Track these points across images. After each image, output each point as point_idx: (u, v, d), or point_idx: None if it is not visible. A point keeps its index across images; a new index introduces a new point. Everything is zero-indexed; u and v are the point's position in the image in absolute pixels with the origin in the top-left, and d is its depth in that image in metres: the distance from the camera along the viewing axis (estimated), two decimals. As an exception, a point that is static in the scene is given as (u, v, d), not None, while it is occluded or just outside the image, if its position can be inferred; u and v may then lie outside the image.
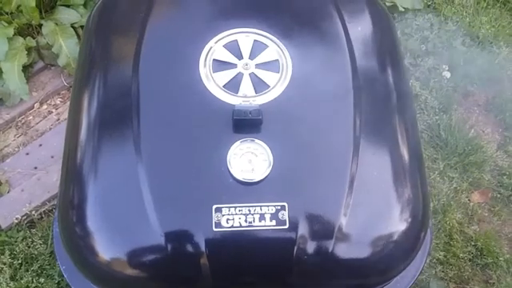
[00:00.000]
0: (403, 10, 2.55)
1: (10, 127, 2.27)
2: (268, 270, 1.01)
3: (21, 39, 2.28)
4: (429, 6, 2.74)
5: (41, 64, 2.38)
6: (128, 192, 1.00)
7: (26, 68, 2.27)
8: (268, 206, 0.97)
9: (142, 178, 0.98)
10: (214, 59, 1.11)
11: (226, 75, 1.10)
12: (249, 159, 0.99)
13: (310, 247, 0.98)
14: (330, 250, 0.98)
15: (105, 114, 1.09)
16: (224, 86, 1.08)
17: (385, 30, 1.29)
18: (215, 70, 1.10)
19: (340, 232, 0.98)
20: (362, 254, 1.02)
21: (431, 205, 2.12)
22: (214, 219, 0.96)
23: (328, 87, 1.11)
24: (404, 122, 1.13)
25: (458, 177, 2.25)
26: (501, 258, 2.11)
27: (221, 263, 0.98)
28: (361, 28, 1.20)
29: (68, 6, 2.37)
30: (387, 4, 2.49)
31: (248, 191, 0.98)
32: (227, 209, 0.96)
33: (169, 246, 0.96)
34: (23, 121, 2.29)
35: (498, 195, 2.27)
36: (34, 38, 2.32)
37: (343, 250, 1.00)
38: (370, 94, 1.12)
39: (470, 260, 2.11)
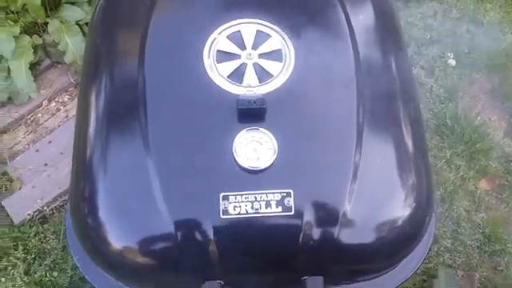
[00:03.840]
0: (407, -2, 2.55)
1: (20, 125, 2.30)
2: (275, 255, 1.03)
3: (27, 37, 2.29)
4: (432, -7, 2.73)
5: (47, 62, 2.40)
6: (137, 182, 1.02)
7: (33, 66, 2.30)
8: (274, 193, 0.98)
9: (150, 168, 1.00)
10: (217, 50, 1.13)
11: (230, 66, 1.11)
12: (254, 148, 1.01)
13: (316, 233, 0.99)
14: (335, 236, 0.99)
15: (112, 107, 1.11)
16: (228, 77, 1.09)
17: (387, 18, 1.30)
18: (219, 61, 1.11)
19: (345, 218, 0.99)
20: (367, 239, 1.03)
21: (438, 193, 2.13)
22: (222, 207, 0.98)
23: (331, 76, 1.11)
24: (407, 110, 1.13)
25: (465, 165, 2.26)
26: (509, 245, 2.12)
27: (228, 250, 1.00)
28: (363, 16, 1.21)
29: (73, 4, 2.37)
30: (390, -7, 2.49)
31: (254, 179, 1.00)
32: (234, 196, 0.97)
33: (178, 234, 0.98)
34: (32, 118, 2.31)
35: (506, 182, 2.28)
36: (40, 36, 2.34)
37: (348, 236, 1.01)
38: (373, 82, 1.12)
39: (477, 247, 2.12)
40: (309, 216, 0.98)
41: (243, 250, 1.02)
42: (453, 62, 2.50)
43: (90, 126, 1.11)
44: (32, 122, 2.31)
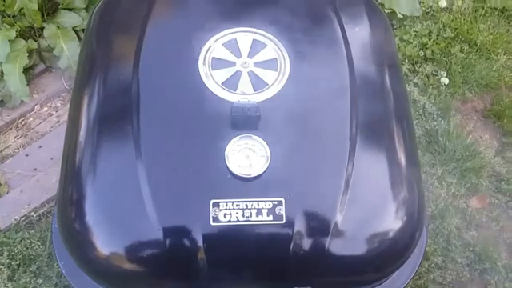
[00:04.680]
0: (402, 16, 2.56)
1: (11, 129, 2.28)
2: (264, 264, 1.02)
3: (22, 41, 2.29)
4: (427, 13, 2.75)
5: (42, 66, 2.39)
6: (127, 187, 1.01)
7: (27, 70, 2.29)
8: (265, 201, 0.97)
9: (140, 174, 0.99)
10: (213, 57, 1.12)
11: (225, 73, 1.11)
12: (246, 155, 1.00)
13: (307, 243, 0.99)
14: (326, 246, 0.99)
15: (105, 110, 1.10)
16: (223, 84, 1.09)
17: (382, 33, 1.31)
18: (214, 68, 1.11)
19: (336, 228, 0.99)
20: (357, 251, 1.02)
21: (429, 209, 2.13)
22: (212, 214, 0.97)
23: (325, 86, 1.12)
24: (400, 122, 1.14)
25: (456, 182, 2.26)
26: (499, 264, 2.11)
27: (218, 257, 0.99)
28: (358, 29, 1.22)
29: (70, 10, 2.38)
30: (386, 11, 2.51)
31: (245, 186, 0.99)
32: (225, 204, 0.97)
33: (167, 241, 0.97)
34: (23, 122, 2.30)
35: (496, 201, 2.28)
36: (35, 41, 2.33)
37: (339, 247, 1.00)
38: (366, 93, 1.13)
39: (468, 265, 2.11)
40: (300, 225, 0.98)
41: (232, 258, 1.01)
42: (446, 81, 2.52)
43: (81, 129, 1.11)
44: (23, 126, 2.29)
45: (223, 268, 1.01)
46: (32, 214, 2.03)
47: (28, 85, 2.27)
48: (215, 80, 1.09)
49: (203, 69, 1.10)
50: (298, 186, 1.01)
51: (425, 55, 2.59)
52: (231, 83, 1.10)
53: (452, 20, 2.73)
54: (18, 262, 1.93)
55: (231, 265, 1.01)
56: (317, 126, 1.08)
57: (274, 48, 1.14)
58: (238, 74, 1.11)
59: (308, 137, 1.06)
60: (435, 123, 2.38)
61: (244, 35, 1.16)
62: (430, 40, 2.62)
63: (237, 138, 1.02)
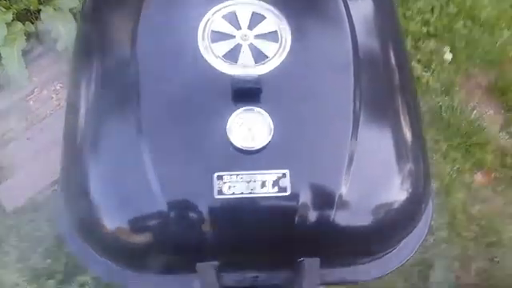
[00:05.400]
0: (404, -8, 2.54)
1: (11, 113, 2.27)
2: (270, 236, 1.00)
3: (19, 24, 2.27)
4: (429, -12, 2.72)
5: (40, 49, 2.38)
6: (130, 163, 0.99)
7: (25, 53, 2.27)
8: (269, 173, 0.96)
9: (143, 150, 0.97)
10: (212, 30, 1.10)
11: (225, 46, 1.08)
12: (249, 128, 0.98)
13: (312, 214, 0.97)
14: (331, 217, 0.97)
15: (104, 87, 1.08)
16: (223, 57, 1.07)
17: (386, 5, 1.28)
18: (213, 41, 1.09)
19: (341, 199, 0.97)
20: (362, 221, 1.01)
21: (434, 185, 2.13)
22: (216, 187, 0.95)
23: (328, 59, 1.09)
24: (404, 96, 1.11)
25: (461, 158, 2.26)
26: (504, 237, 2.12)
27: (223, 230, 0.98)
28: (361, 1, 1.19)
29: (66, -9, 2.36)
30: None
31: (249, 159, 0.97)
32: (229, 176, 0.95)
33: (171, 214, 0.96)
34: (24, 106, 2.28)
35: (501, 176, 2.28)
36: (32, 23, 2.32)
37: (344, 217, 0.99)
38: (369, 64, 1.10)
39: (473, 239, 2.13)
40: (305, 197, 0.96)
41: (238, 230, 1.00)
42: (449, 57, 2.50)
43: (80, 108, 1.09)
44: (24, 109, 2.28)
45: (229, 240, 1.00)
46: (37, 196, 2.05)
47: (27, 68, 2.26)
48: (215, 53, 1.07)
49: (202, 42, 1.08)
50: (302, 158, 0.99)
51: (428, 31, 2.56)
52: (231, 56, 1.07)
53: (455, -5, 2.70)
54: (26, 244, 1.95)
55: (237, 237, 1.00)
56: (320, 98, 1.05)
57: (274, 20, 1.12)
58: (238, 47, 1.09)
59: (311, 109, 1.04)
60: (439, 99, 2.37)
61: (243, 7, 1.13)
62: (432, 16, 2.59)
63: (238, 110, 1.00)
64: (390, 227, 1.04)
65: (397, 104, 1.09)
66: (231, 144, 0.97)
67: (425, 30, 2.56)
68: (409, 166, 1.04)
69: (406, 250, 1.13)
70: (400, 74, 1.15)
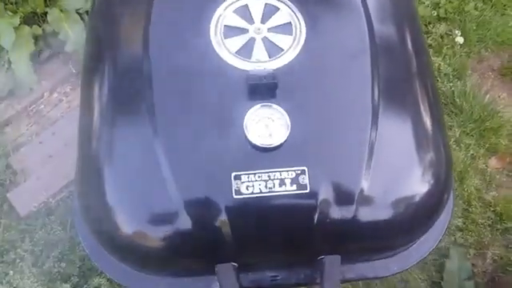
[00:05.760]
0: (412, -24, 2.50)
1: (22, 117, 2.26)
2: (290, 235, 0.99)
3: (27, 28, 2.26)
4: (439, -29, 2.68)
5: (48, 52, 2.36)
6: (146, 164, 0.99)
7: (33, 57, 2.26)
8: (288, 170, 0.94)
9: (158, 149, 0.97)
10: (224, 25, 1.09)
11: (238, 41, 1.07)
12: (266, 124, 0.97)
13: (332, 211, 0.96)
14: (352, 213, 0.96)
15: (117, 89, 1.07)
16: (236, 52, 1.06)
17: None
18: (226, 37, 1.07)
19: (362, 195, 0.96)
20: (384, 216, 1.00)
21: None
22: (234, 187, 0.94)
23: (344, 50, 1.07)
24: (423, 82, 1.10)
25: (475, 143, 2.23)
26: (521, 223, 2.08)
27: (242, 230, 0.97)
28: None
29: (72, -8, 2.34)
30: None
31: (267, 157, 0.96)
32: (246, 176, 0.94)
33: (190, 217, 0.95)
34: (34, 110, 2.28)
35: (516, 160, 2.24)
36: (40, 26, 2.30)
37: (366, 213, 0.97)
38: (387, 53, 1.08)
39: (489, 225, 2.10)
40: (324, 194, 0.95)
41: (257, 230, 0.98)
42: (461, 40, 2.46)
43: (94, 110, 1.08)
44: (35, 113, 2.28)
45: (248, 241, 0.99)
46: (50, 200, 2.05)
47: (36, 72, 2.25)
48: (228, 49, 1.06)
49: (215, 38, 1.06)
50: (321, 153, 0.98)
51: (438, 15, 2.52)
52: (245, 51, 1.06)
53: (465, -23, 2.66)
54: (40, 248, 1.95)
55: (256, 237, 0.99)
56: (337, 90, 1.04)
57: (287, 12, 1.10)
58: (251, 42, 1.08)
59: (328, 102, 1.02)
60: (451, 84, 2.34)
61: (255, 0, 1.12)
62: (443, -1, 2.55)
63: (255, 107, 0.98)
64: (414, 220, 1.03)
65: (416, 91, 1.07)
66: (248, 142, 0.95)
67: (435, 13, 2.52)
68: (431, 154, 1.03)
69: (426, 242, 1.11)
70: (418, 59, 1.13)
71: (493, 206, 2.13)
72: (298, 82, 1.03)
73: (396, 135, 1.03)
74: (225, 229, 0.96)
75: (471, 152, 2.20)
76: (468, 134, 2.24)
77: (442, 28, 2.49)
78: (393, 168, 1.00)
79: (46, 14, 2.29)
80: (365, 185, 0.96)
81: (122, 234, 0.99)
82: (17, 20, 2.19)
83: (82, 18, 2.27)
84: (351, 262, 1.08)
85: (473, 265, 2.02)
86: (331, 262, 0.99)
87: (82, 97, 1.18)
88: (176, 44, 1.07)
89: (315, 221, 0.96)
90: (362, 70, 1.05)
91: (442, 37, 2.48)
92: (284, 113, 0.98)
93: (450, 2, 2.55)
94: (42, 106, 2.29)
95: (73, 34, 2.24)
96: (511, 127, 2.29)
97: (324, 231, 0.97)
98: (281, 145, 0.96)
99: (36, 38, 2.29)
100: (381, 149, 0.97)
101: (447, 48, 2.43)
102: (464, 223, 2.07)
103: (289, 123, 0.97)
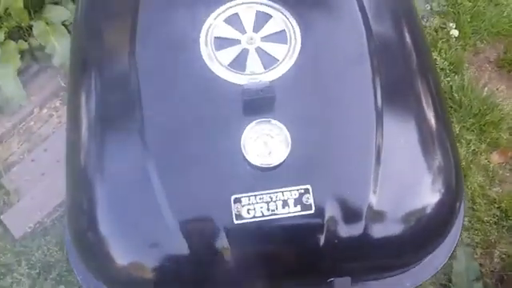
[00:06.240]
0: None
1: (13, 135, 2.22)
2: (297, 259, 0.95)
3: (12, 43, 2.21)
4: (430, -38, 2.64)
5: (36, 67, 2.31)
6: (139, 190, 0.93)
7: (20, 72, 2.22)
8: (290, 190, 0.89)
9: (152, 174, 0.92)
10: (215, 37, 1.03)
11: (230, 53, 1.02)
12: (264, 142, 0.91)
13: (341, 230, 0.91)
14: (362, 231, 0.91)
15: (105, 108, 1.02)
16: (229, 65, 1.00)
17: None
18: (218, 49, 1.02)
19: (370, 211, 0.91)
20: (395, 232, 0.95)
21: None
22: (234, 211, 0.89)
23: (342, 55, 1.03)
24: (427, 84, 1.05)
25: (476, 138, 2.19)
26: (527, 218, 2.04)
27: (246, 257, 0.92)
28: None
29: (57, 4, 2.30)
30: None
31: (267, 177, 0.91)
32: (247, 198, 0.88)
33: (189, 245, 0.90)
34: (25, 127, 2.23)
35: (519, 153, 2.20)
36: (25, 41, 2.25)
37: (376, 230, 0.92)
38: (388, 57, 1.03)
39: (495, 223, 2.06)
40: (331, 213, 0.90)
41: (262, 256, 0.93)
42: (455, 33, 2.42)
43: (82, 130, 1.03)
44: (25, 131, 2.22)
45: (253, 268, 0.93)
46: (45, 219, 2.00)
47: (24, 87, 2.20)
48: (220, 62, 1.00)
49: (206, 50, 1.01)
50: (325, 169, 0.93)
51: (431, 8, 2.49)
52: (238, 63, 1.01)
53: (457, -32, 2.62)
54: (37, 271, 1.90)
55: (261, 263, 0.93)
56: (338, 100, 0.99)
57: (280, 18, 1.05)
58: (244, 53, 1.02)
59: (329, 114, 0.97)
60: (449, 79, 2.30)
61: (246, 8, 1.06)
62: (435, -9, 2.52)
63: (252, 124, 0.93)
64: (427, 233, 0.98)
65: (420, 94, 1.03)
66: (247, 162, 0.90)
67: (428, 6, 2.49)
68: (440, 160, 0.98)
69: (440, 254, 1.06)
70: (419, 60, 1.08)
71: (497, 202, 2.09)
72: (295, 93, 0.98)
73: (402, 144, 0.98)
74: (226, 256, 0.91)
75: (472, 148, 2.17)
76: (468, 129, 2.20)
77: (436, 21, 2.46)
78: (401, 179, 0.96)
79: (31, 27, 2.24)
80: (373, 199, 0.91)
81: (116, 266, 0.94)
82: (1, 35, 2.15)
83: (68, 31, 2.21)
84: (362, 281, 1.03)
85: (480, 265, 1.98)
86: (341, 284, 0.95)
87: (68, 116, 1.12)
88: (165, 58, 1.02)
89: (322, 242, 0.91)
90: (362, 76, 1.00)
91: (436, 30, 2.44)
92: (283, 128, 0.92)
93: (443, -7, 2.52)
94: (33, 123, 2.24)
95: (60, 47, 2.19)
96: (511, 120, 2.25)
97: (332, 253, 0.92)
98: (281, 163, 0.91)
99: (22, 53, 2.24)
100: (387, 159, 0.93)
101: (442, 42, 2.39)
102: (470, 222, 2.04)
103: (289, 139, 0.92)
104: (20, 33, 2.27)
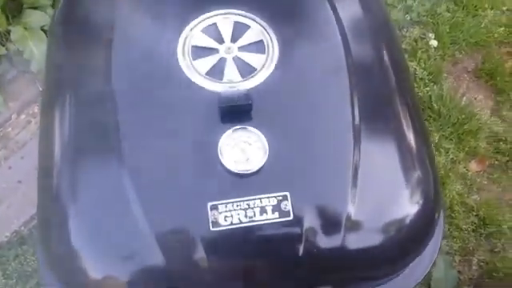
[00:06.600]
0: (383, -19, 2.48)
1: (-10, 142, 2.18)
2: (275, 268, 0.93)
3: (-11, 48, 2.19)
4: (409, -26, 2.67)
5: (14, 72, 2.28)
6: (113, 201, 0.91)
7: (-3, 78, 2.19)
8: (268, 197, 0.88)
9: (126, 184, 0.90)
10: (192, 45, 1.03)
11: (208, 62, 1.01)
12: (242, 148, 0.90)
13: (320, 238, 0.90)
14: (340, 240, 0.90)
15: (80, 121, 1.00)
16: (207, 74, 1.00)
17: (376, 4, 1.22)
18: (195, 58, 1.01)
19: (349, 220, 0.90)
20: (375, 242, 0.94)
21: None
22: (211, 218, 0.87)
23: (319, 66, 1.02)
24: (404, 98, 1.05)
25: (454, 147, 2.21)
26: (504, 226, 2.08)
27: (224, 266, 0.90)
28: (349, 1, 1.12)
29: (35, 9, 2.27)
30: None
31: (244, 184, 0.90)
32: (224, 205, 0.87)
33: (165, 256, 0.88)
34: (2, 133, 2.20)
35: (496, 162, 2.24)
36: (3, 46, 2.23)
37: (355, 239, 0.92)
38: (365, 70, 1.04)
39: (473, 231, 2.08)
40: (309, 221, 0.89)
41: (240, 264, 0.92)
42: (434, 43, 2.45)
43: (55, 142, 1.01)
44: (2, 137, 2.19)
45: (231, 276, 0.91)
46: (22, 228, 1.96)
47: (1, 93, 2.17)
48: (198, 71, 1.00)
49: (183, 60, 1.00)
50: (303, 177, 0.92)
51: (411, 18, 2.52)
52: (216, 72, 1.00)
53: (435, -21, 2.65)
54: (14, 281, 1.86)
55: (239, 272, 0.92)
56: (315, 110, 0.98)
57: (258, 29, 1.04)
58: (222, 62, 1.02)
59: (307, 123, 0.97)
60: (428, 89, 2.33)
61: (223, 18, 1.06)
62: (414, 2, 2.55)
63: (229, 131, 0.92)
64: (406, 243, 0.98)
65: (397, 106, 1.03)
66: (224, 168, 0.89)
67: (408, 17, 2.51)
68: (417, 172, 0.99)
69: (420, 264, 1.05)
70: (397, 74, 1.09)
71: (475, 210, 2.11)
72: (273, 102, 0.98)
73: (380, 154, 0.98)
74: (203, 265, 0.89)
75: (451, 156, 2.19)
76: (447, 138, 2.22)
77: (415, 32, 2.48)
78: (380, 189, 0.95)
79: (9, 32, 2.21)
80: (351, 209, 0.91)
81: (91, 281, 0.92)
82: (-21, 40, 2.12)
83: (47, 36, 2.19)
84: None
85: (459, 272, 2.00)
86: None
87: (41, 129, 1.10)
88: (142, 69, 1.01)
89: (301, 251, 0.90)
90: (339, 86, 1.00)
91: (416, 40, 2.47)
92: (261, 135, 0.92)
93: (422, 4, 2.55)
94: (10, 129, 2.21)
95: (38, 53, 2.17)
96: (489, 129, 2.28)
97: (311, 261, 0.91)
98: (259, 170, 0.90)
99: (0, 58, 2.21)
100: (365, 170, 0.93)
101: (422, 52, 2.42)
102: (448, 229, 2.05)
103: (267, 146, 0.91)
104: (-3, 37, 2.25)
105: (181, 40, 1.02)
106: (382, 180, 0.96)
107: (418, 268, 1.06)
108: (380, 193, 0.96)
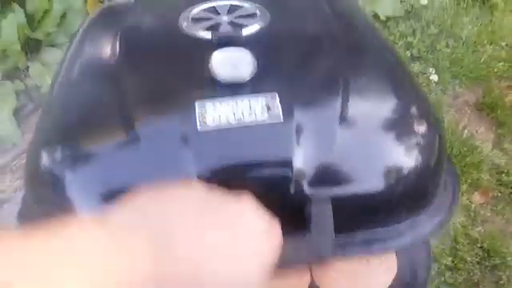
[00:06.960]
0: (384, 18, 2.59)
1: (5, 173, 2.23)
2: (265, 171, 0.86)
3: (9, 83, 2.30)
4: (409, 12, 2.78)
5: (31, 106, 2.38)
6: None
7: (16, 111, 2.27)
8: (258, 98, 0.86)
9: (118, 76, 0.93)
10: (192, 18, 1.05)
11: (206, 23, 1.04)
12: (233, 63, 0.89)
13: (312, 141, 0.83)
14: (334, 142, 0.84)
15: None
16: (204, 29, 1.02)
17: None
18: (195, 23, 1.04)
19: (343, 118, 0.85)
20: (371, 140, 0.87)
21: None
22: (199, 118, 0.84)
23: (310, 28, 1.08)
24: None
25: (457, 179, 2.22)
26: (508, 258, 2.06)
27: (211, 170, 0.83)
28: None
29: (53, 46, 2.39)
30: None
31: (234, 88, 0.88)
32: (211, 104, 0.85)
33: (151, 155, 0.83)
34: (17, 165, 2.25)
35: (499, 194, 2.26)
36: (21, 81, 2.33)
37: (350, 140, 0.85)
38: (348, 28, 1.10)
39: (478, 263, 2.06)
40: (301, 123, 0.84)
41: (228, 167, 0.85)
42: (435, 78, 2.53)
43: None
44: (18, 168, 2.24)
45: (218, 182, 0.80)
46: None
47: (18, 126, 2.25)
48: (196, 27, 1.02)
49: (184, 25, 1.04)
50: (294, 81, 0.91)
51: (411, 54, 2.61)
52: (213, 29, 1.02)
53: (435, 16, 2.77)
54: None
55: (227, 175, 0.84)
56: (305, 48, 1.01)
57: (253, 6, 1.09)
58: (218, 23, 1.04)
59: (298, 52, 0.99)
60: (430, 122, 2.36)
61: (221, 2, 1.11)
62: (414, 39, 2.65)
63: (221, 49, 0.91)
64: (404, 179, 0.87)
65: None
66: (214, 74, 0.89)
67: (408, 53, 2.61)
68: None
69: (418, 226, 0.91)
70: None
71: (480, 242, 2.10)
72: (266, 42, 1.00)
73: (369, 75, 0.98)
74: (191, 168, 0.83)
75: (454, 188, 2.19)
76: (450, 170, 2.23)
77: (416, 67, 2.56)
78: (371, 96, 0.94)
79: (27, 68, 2.32)
80: (345, 109, 0.86)
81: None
82: (-2, 76, 2.23)
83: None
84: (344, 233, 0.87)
85: (463, 305, 1.95)
86: (320, 204, 0.83)
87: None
88: (144, 41, 1.07)
89: (292, 154, 0.83)
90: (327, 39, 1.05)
91: (417, 76, 2.56)
92: (251, 53, 0.92)
93: (422, 41, 2.64)
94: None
95: (55, 87, 2.26)
96: (491, 162, 2.30)
97: (303, 165, 0.84)
98: (249, 77, 0.89)
99: (18, 93, 2.31)
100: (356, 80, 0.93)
101: (423, 86, 2.48)
102: (453, 261, 2.03)
103: (255, 63, 0.91)
104: (16, 73, 2.36)
105: (182, 16, 1.07)
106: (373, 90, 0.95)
107: (416, 227, 0.91)
108: (372, 99, 0.94)
